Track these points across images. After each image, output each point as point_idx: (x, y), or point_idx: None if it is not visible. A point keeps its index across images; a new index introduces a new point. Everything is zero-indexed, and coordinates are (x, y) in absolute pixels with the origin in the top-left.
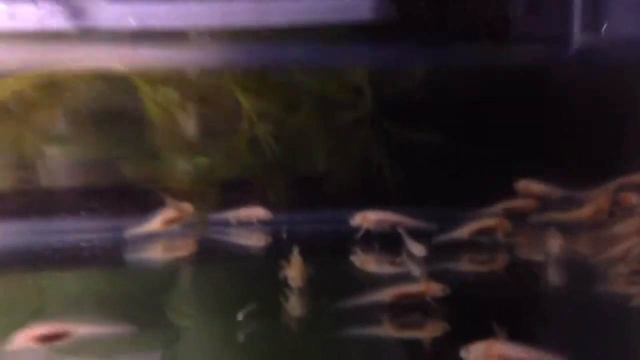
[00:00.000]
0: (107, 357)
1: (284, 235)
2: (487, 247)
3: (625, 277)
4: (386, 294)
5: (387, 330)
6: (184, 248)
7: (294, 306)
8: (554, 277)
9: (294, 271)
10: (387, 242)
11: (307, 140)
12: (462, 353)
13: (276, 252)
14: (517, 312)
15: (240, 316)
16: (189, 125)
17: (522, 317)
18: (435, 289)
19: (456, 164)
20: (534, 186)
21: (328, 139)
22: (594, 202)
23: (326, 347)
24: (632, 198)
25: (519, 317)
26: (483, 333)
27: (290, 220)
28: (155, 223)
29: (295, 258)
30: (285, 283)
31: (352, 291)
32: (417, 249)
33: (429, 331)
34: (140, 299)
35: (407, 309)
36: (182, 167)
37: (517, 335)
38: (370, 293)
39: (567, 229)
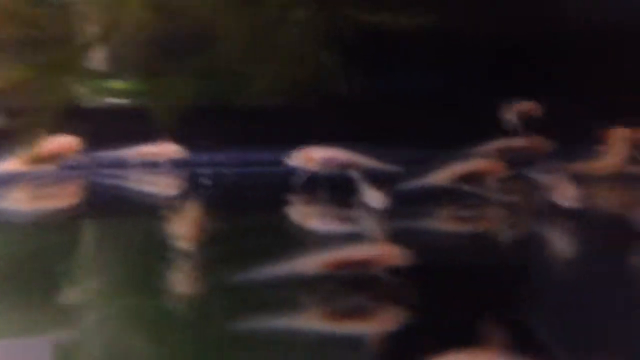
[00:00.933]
0: None
1: (205, 181)
2: (474, 199)
3: None
4: (315, 263)
5: (314, 319)
6: (64, 197)
7: (181, 280)
8: (569, 241)
9: (183, 227)
10: (338, 189)
11: (221, 28)
12: None
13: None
14: (517, 293)
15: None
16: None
17: (523, 301)
18: (391, 255)
19: (445, 71)
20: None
21: (253, 29)
22: (613, 149)
23: (214, 346)
24: None
25: (518, 301)
26: (465, 328)
27: (214, 161)
28: (14, 161)
29: (188, 208)
30: (173, 245)
31: (276, 258)
32: (374, 198)
33: (380, 322)
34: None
35: (348, 287)
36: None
37: (515, 330)
38: (291, 261)
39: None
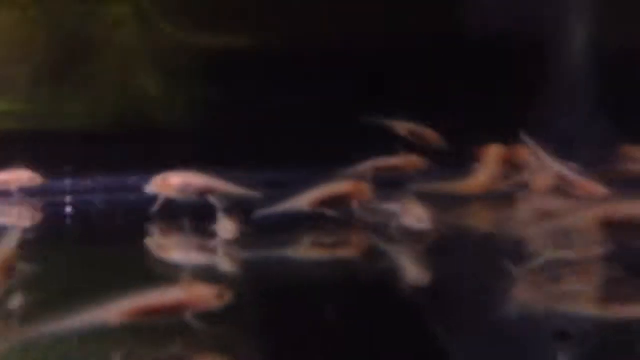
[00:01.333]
0: None
1: (68, 210)
2: (339, 224)
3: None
4: (118, 312)
5: None
6: None
7: None
8: (416, 264)
9: None
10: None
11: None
12: None
13: (51, 236)
14: (366, 331)
15: None
16: None
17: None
18: (203, 297)
19: (314, 89)
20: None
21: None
22: (486, 167)
23: None
24: (525, 154)
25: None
26: None
27: (77, 188)
28: None
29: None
30: None
31: (108, 298)
32: (226, 227)
33: None
34: None
35: (157, 335)
36: None
37: None
38: (95, 311)
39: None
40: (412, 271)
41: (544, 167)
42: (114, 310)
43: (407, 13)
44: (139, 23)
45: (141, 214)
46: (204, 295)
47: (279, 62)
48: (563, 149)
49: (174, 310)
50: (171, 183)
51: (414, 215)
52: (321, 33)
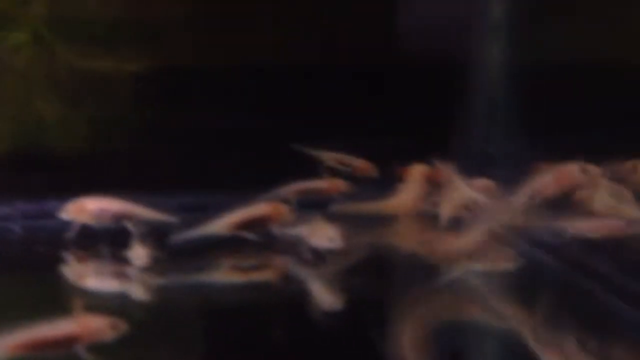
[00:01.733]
0: None
1: None
2: (257, 248)
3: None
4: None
5: None
6: None
7: None
8: (336, 291)
9: None
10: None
11: None
12: None
13: None
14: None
15: None
16: None
17: None
18: (95, 329)
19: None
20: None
21: None
22: (409, 187)
23: None
24: (445, 172)
25: None
26: None
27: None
28: None
29: None
30: None
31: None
32: (138, 254)
33: None
34: None
35: None
36: None
37: None
38: None
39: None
40: (325, 294)
41: (455, 189)
42: (2, 344)
43: (327, 38)
44: (37, 49)
45: (58, 241)
46: (96, 326)
47: (186, 84)
48: (481, 167)
49: (65, 343)
50: (86, 209)
51: (323, 235)
52: (232, 54)
